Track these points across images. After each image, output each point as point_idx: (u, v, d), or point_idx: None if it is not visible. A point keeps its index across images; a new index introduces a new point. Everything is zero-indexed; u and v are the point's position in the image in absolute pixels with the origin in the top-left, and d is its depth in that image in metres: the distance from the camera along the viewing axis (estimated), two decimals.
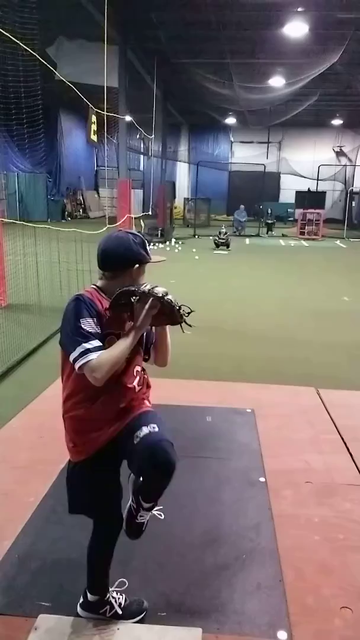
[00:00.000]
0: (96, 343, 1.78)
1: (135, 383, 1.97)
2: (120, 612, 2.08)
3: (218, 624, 2.11)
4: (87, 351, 1.76)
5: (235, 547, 2.56)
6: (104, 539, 2.03)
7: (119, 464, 2.01)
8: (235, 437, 3.73)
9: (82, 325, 1.79)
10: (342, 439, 3.69)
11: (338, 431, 3.81)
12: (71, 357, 1.79)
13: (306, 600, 2.24)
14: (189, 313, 1.89)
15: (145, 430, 1.83)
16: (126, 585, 2.22)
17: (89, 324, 1.80)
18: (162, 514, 2.63)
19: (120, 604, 2.10)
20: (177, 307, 1.85)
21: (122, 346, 1.82)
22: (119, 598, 2.12)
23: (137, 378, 1.99)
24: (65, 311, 1.86)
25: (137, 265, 1.92)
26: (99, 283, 1.98)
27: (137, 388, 1.98)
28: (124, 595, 2.15)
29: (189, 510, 2.85)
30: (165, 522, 2.63)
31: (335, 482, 3.16)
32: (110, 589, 2.11)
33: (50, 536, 2.60)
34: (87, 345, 1.77)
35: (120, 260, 1.91)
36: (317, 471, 3.28)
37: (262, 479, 3.15)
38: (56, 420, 3.83)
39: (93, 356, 1.75)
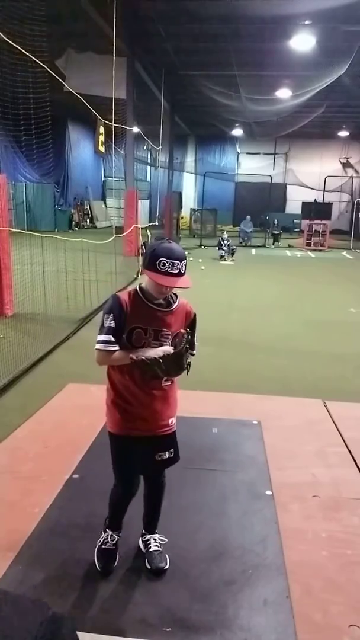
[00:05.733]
0: (104, 337, 2.18)
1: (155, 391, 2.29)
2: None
3: None
4: (98, 342, 2.19)
5: (242, 562, 2.52)
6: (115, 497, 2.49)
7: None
8: (241, 449, 3.70)
9: (104, 320, 2.21)
10: (350, 452, 3.65)
11: (345, 444, 3.77)
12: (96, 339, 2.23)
13: (314, 617, 2.20)
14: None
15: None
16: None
17: (109, 320, 2.19)
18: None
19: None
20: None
21: (116, 357, 2.19)
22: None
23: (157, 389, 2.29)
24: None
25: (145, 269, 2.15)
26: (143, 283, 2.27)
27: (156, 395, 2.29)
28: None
29: (194, 523, 2.81)
30: (170, 535, 2.60)
31: (342, 496, 3.12)
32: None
33: (55, 548, 2.57)
34: (100, 337, 2.19)
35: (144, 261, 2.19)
36: (324, 485, 3.24)
37: (268, 492, 3.12)
38: (61, 430, 3.85)
39: (98, 346, 2.20)
